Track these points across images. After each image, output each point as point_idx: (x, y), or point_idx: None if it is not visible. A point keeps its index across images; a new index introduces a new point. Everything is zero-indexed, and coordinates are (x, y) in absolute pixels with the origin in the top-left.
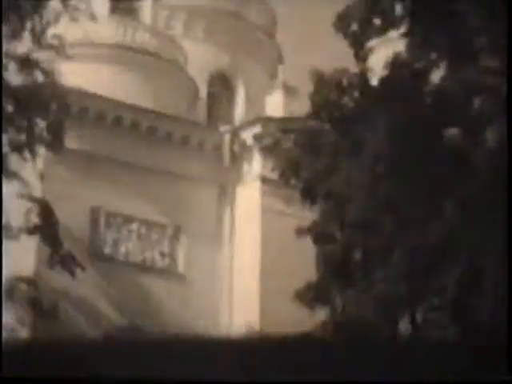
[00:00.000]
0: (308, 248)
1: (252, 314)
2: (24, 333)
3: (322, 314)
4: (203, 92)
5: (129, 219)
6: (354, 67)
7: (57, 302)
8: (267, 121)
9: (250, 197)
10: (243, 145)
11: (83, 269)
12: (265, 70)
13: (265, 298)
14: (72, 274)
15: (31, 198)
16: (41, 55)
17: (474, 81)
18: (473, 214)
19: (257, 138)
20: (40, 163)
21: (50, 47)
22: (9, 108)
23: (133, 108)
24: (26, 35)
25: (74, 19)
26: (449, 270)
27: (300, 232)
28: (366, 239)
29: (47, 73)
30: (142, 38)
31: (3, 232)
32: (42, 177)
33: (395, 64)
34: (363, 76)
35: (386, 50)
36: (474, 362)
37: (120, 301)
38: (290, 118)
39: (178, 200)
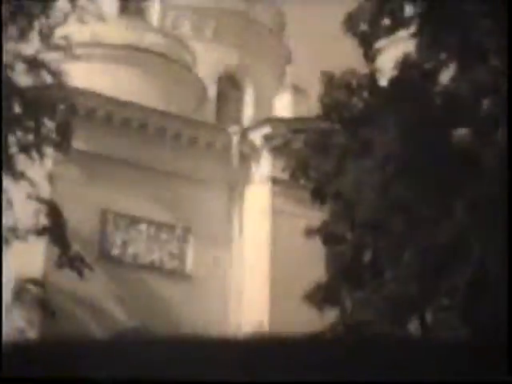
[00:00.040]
0: (318, 249)
1: (261, 315)
2: (33, 334)
3: (331, 315)
4: (212, 92)
5: (137, 220)
6: (363, 68)
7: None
8: (277, 121)
9: (259, 197)
10: (252, 145)
11: (91, 270)
12: (273, 70)
13: (274, 299)
14: (80, 274)
15: (40, 199)
16: (49, 56)
17: (483, 81)
18: (483, 215)
19: (267, 138)
20: (48, 164)
21: (58, 48)
22: (16, 109)
23: (141, 108)
24: (34, 36)
25: (81, 20)
26: (460, 270)
27: (309, 232)
28: (377, 239)
29: (55, 73)
30: (151, 39)
31: (11, 233)
32: (51, 178)
33: (405, 64)
34: (372, 77)
35: (395, 51)
36: (474, 361)
37: (128, 302)
38: (300, 118)
39: (186, 201)
